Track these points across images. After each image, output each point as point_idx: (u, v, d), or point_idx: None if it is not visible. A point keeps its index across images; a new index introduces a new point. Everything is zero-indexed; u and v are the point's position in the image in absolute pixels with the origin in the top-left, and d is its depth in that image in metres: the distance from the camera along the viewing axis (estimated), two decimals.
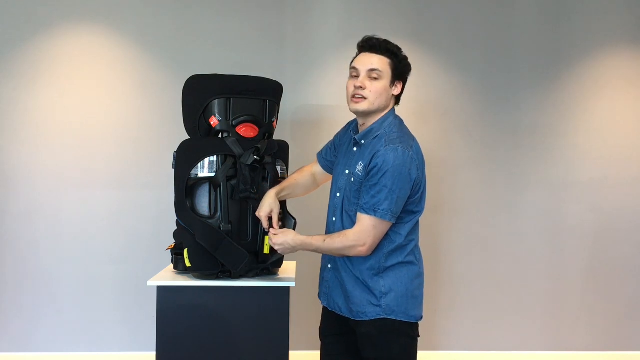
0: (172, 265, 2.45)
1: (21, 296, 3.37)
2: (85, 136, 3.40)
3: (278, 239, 2.15)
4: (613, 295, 3.61)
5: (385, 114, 2.12)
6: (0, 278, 3.37)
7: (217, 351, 2.22)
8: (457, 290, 3.56)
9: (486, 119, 3.57)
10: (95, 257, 3.40)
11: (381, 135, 2.07)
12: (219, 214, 2.26)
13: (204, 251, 2.23)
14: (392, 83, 2.10)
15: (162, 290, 2.22)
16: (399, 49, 2.11)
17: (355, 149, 2.15)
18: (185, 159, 2.26)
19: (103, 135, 3.41)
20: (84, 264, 3.39)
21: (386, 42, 2.10)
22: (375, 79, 2.07)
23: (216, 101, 2.30)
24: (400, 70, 2.11)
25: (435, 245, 3.52)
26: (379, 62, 2.07)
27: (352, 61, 2.14)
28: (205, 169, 2.24)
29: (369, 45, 2.10)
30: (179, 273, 2.38)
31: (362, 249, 2.02)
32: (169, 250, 2.47)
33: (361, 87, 2.07)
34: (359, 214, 2.04)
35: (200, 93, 2.33)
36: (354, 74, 2.11)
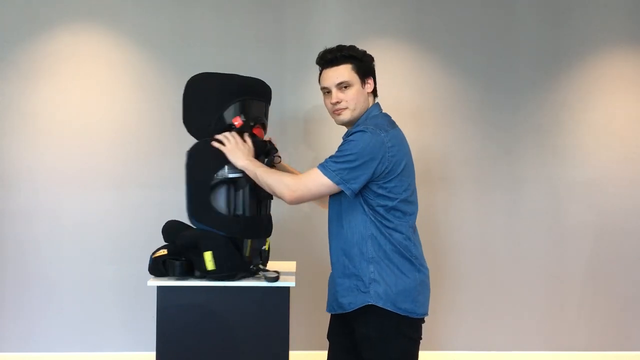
0: None
1: (21, 296, 3.37)
2: (85, 136, 3.40)
3: (231, 142, 2.17)
4: (613, 295, 3.61)
5: (367, 111, 2.12)
6: (0, 278, 3.37)
7: (217, 351, 2.21)
8: (457, 290, 3.56)
9: (486, 119, 3.57)
10: (95, 257, 3.40)
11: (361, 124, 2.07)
12: (239, 212, 2.25)
13: (232, 252, 2.21)
14: (363, 83, 2.11)
15: (162, 290, 2.21)
16: (355, 49, 2.12)
17: None
18: (210, 159, 2.24)
19: (103, 135, 3.41)
20: (84, 264, 3.39)
21: (340, 49, 2.10)
22: (346, 87, 2.09)
23: (239, 102, 2.29)
24: (365, 68, 2.11)
25: (435, 244, 3.52)
26: (344, 73, 2.09)
27: (319, 80, 2.16)
28: (233, 169, 2.23)
29: (328, 60, 2.11)
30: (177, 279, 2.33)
31: (287, 193, 2.03)
32: (160, 257, 2.30)
33: (338, 102, 2.10)
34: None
35: (221, 93, 2.30)
36: (326, 91, 2.14)
